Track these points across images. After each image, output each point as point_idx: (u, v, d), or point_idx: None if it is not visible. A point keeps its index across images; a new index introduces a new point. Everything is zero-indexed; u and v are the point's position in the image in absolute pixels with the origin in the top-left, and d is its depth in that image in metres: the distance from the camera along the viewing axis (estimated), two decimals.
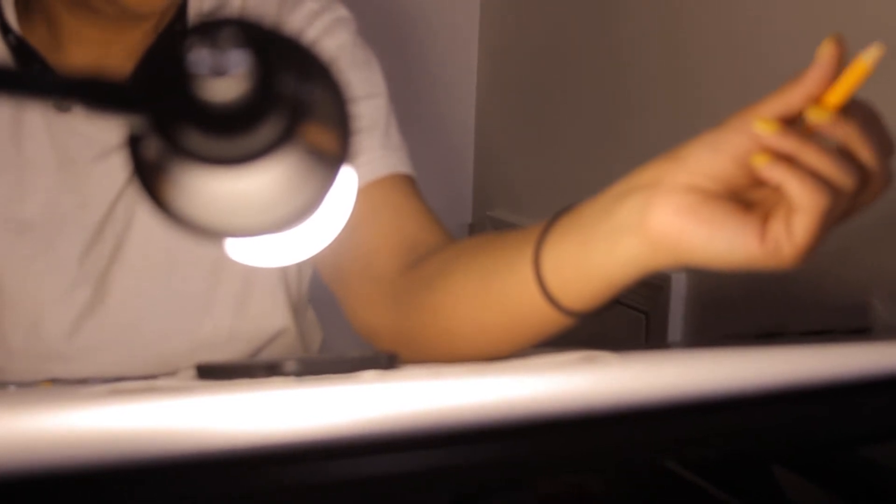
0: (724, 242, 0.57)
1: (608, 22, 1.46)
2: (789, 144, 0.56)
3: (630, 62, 1.41)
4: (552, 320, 0.67)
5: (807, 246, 0.56)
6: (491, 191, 1.82)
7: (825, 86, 0.57)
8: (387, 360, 0.71)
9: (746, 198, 0.60)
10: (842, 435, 0.46)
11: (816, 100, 0.57)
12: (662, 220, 0.59)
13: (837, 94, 0.57)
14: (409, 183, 0.91)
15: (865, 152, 0.57)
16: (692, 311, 1.23)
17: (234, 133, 0.42)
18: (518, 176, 1.74)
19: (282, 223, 0.46)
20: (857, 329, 0.85)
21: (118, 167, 0.89)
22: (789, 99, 0.58)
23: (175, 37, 0.42)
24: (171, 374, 0.86)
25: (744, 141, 0.58)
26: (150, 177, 0.44)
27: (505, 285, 0.69)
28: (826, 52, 0.57)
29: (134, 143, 0.44)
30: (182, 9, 0.90)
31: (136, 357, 0.90)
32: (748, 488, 0.57)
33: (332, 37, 0.93)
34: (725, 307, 1.16)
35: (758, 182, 0.58)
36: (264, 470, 0.32)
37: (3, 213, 0.88)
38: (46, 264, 0.88)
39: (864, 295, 0.88)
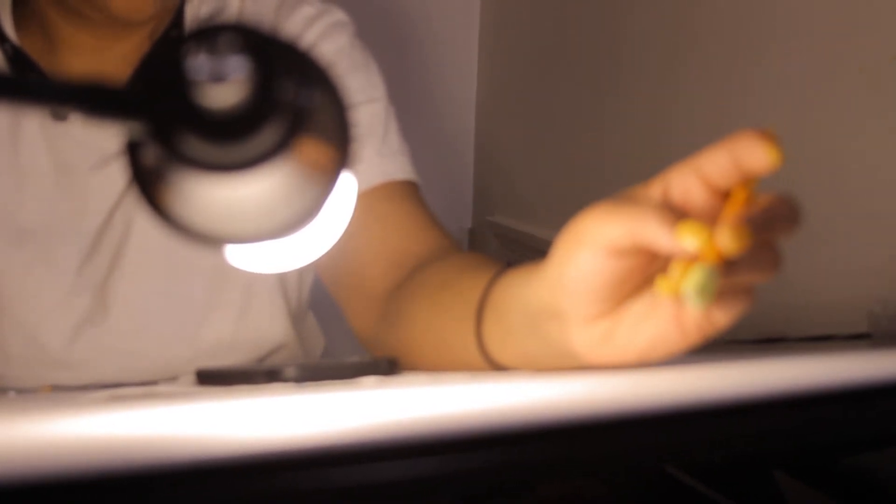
0: (652, 351, 0.52)
1: (610, 23, 1.46)
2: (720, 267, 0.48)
3: (633, 63, 1.41)
4: None
5: (732, 322, 0.52)
6: (491, 195, 1.82)
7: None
8: (387, 365, 0.71)
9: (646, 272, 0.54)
10: (843, 441, 0.46)
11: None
12: (590, 356, 0.54)
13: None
14: (405, 189, 0.91)
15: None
16: None
17: (232, 139, 0.42)
18: (519, 180, 1.74)
19: (281, 229, 0.45)
20: (857, 335, 0.85)
21: (116, 174, 0.89)
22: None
23: (172, 43, 0.42)
24: (171, 379, 0.86)
25: (630, 264, 0.52)
26: (148, 183, 0.44)
27: (460, 356, 0.68)
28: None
29: (132, 150, 0.44)
30: (178, 14, 0.89)
31: (137, 365, 0.90)
32: (749, 493, 0.57)
33: (329, 41, 0.92)
34: None
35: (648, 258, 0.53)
36: (263, 477, 0.32)
37: (2, 222, 0.88)
38: (45, 272, 0.88)
39: (864, 300, 0.88)
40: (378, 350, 0.85)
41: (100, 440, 0.36)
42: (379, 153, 0.90)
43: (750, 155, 0.49)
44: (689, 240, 0.48)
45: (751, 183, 0.50)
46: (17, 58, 0.87)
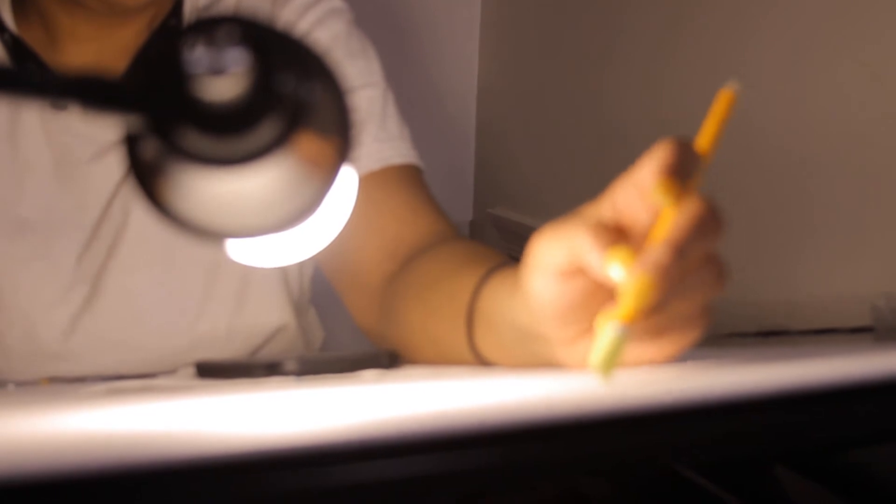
0: (636, 362, 0.52)
1: (611, 16, 1.45)
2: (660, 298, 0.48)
3: (633, 57, 1.40)
4: None
5: (700, 337, 0.53)
6: (492, 188, 1.82)
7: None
8: (388, 358, 0.71)
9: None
10: (845, 436, 0.45)
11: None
12: (580, 365, 0.54)
13: (707, 136, 0.52)
14: (403, 173, 0.90)
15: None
16: None
17: (231, 133, 0.42)
18: (520, 172, 1.74)
19: (281, 224, 0.45)
20: (859, 328, 0.85)
21: (114, 166, 0.88)
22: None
23: (169, 33, 0.41)
24: (170, 372, 0.86)
25: (587, 284, 0.52)
26: (146, 177, 0.44)
27: (457, 356, 0.68)
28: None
29: (130, 143, 0.43)
30: (177, 4, 0.89)
31: (134, 356, 0.90)
32: (749, 487, 0.57)
33: (324, 28, 0.92)
34: (727, 305, 1.15)
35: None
36: (262, 475, 0.31)
37: (1, 214, 0.87)
38: (44, 265, 0.88)
39: (867, 294, 0.88)
40: (382, 343, 0.85)
41: (98, 436, 0.36)
42: (376, 139, 0.90)
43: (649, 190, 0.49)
44: (615, 268, 0.48)
45: (681, 194, 0.49)
46: (17, 48, 0.87)
